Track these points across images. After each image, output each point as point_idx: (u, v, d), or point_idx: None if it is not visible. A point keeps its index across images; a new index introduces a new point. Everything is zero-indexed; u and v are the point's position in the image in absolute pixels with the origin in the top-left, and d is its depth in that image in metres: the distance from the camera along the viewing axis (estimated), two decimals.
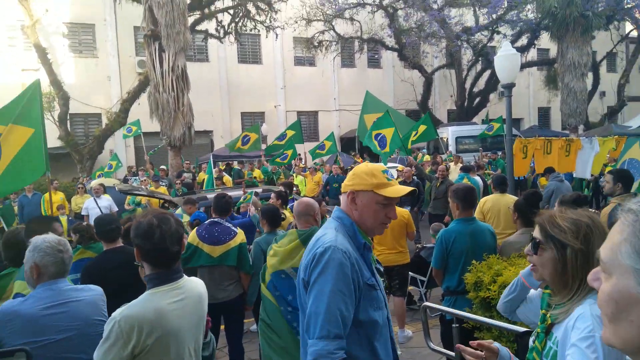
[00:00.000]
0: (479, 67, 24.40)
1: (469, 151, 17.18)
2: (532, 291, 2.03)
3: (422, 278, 6.17)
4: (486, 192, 9.49)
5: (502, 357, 1.70)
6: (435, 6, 21.34)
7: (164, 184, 11.98)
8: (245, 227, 5.14)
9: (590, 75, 22.83)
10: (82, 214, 10.21)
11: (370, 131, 10.61)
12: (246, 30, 19.35)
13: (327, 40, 22.76)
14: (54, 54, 18.03)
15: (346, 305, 1.79)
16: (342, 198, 2.02)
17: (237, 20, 18.80)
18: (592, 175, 9.86)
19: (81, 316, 2.34)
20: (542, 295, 1.78)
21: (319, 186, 12.29)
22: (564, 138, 10.26)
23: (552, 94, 27.20)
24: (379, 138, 10.30)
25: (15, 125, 5.11)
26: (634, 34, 24.52)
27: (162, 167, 14.71)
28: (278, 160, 13.60)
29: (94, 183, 10.52)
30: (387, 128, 10.25)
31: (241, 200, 6.63)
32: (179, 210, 7.02)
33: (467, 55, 24.27)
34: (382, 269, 2.21)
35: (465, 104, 24.03)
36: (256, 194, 6.79)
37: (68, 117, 17.17)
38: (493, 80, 22.84)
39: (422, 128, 12.47)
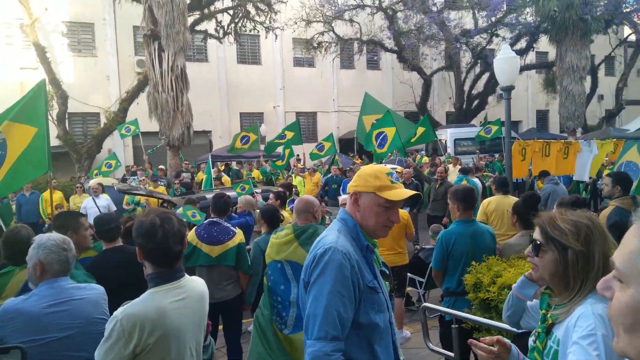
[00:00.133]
0: (477, 69, 24.47)
1: (467, 153, 17.19)
2: (530, 302, 2.04)
3: (421, 279, 6.19)
4: (485, 194, 9.52)
5: (512, 354, 1.71)
6: (434, 9, 21.41)
7: (162, 183, 11.97)
8: (242, 227, 5.14)
9: (588, 78, 22.93)
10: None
11: (371, 131, 10.63)
12: (245, 31, 19.36)
13: (327, 42, 22.79)
14: (52, 53, 18.01)
15: (345, 307, 1.79)
16: (347, 199, 2.04)
17: (236, 20, 18.81)
18: (590, 177, 9.90)
19: (83, 314, 2.34)
20: (541, 295, 1.79)
21: (317, 187, 12.30)
22: (563, 141, 10.29)
23: (550, 97, 27.28)
24: (380, 137, 10.31)
25: (19, 124, 5.12)
26: (632, 38, 24.61)
27: (161, 166, 14.69)
28: (279, 162, 13.60)
29: (93, 182, 10.51)
30: (389, 127, 10.27)
31: (238, 191, 6.66)
32: (179, 210, 7.00)
33: (466, 57, 24.34)
34: (388, 272, 2.20)
35: (464, 106, 24.09)
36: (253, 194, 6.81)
37: (66, 116, 17.14)
38: (492, 83, 22.90)
39: (420, 130, 12.51)
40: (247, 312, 4.79)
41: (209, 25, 18.65)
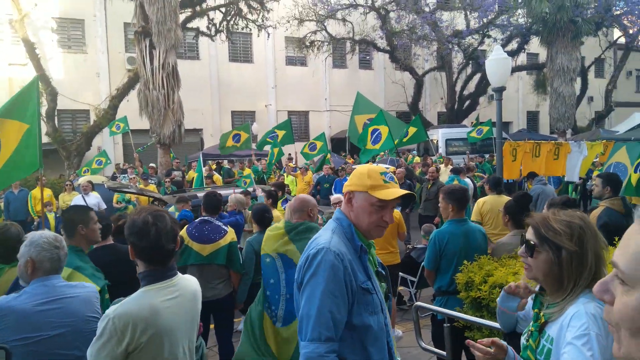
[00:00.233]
0: (469, 70, 24.60)
1: (459, 153, 17.28)
2: (521, 313, 2.04)
3: (413, 278, 6.21)
4: (476, 194, 9.58)
5: (509, 356, 1.72)
6: (427, 9, 21.49)
7: (153, 181, 11.89)
8: (232, 226, 5.12)
9: (578, 80, 23.13)
10: None
11: (366, 129, 10.63)
12: (238, 29, 19.27)
13: (319, 41, 22.78)
14: (42, 49, 17.80)
15: (338, 307, 1.78)
16: (340, 198, 2.04)
17: (228, 18, 18.72)
18: (580, 178, 9.99)
19: (75, 313, 2.32)
20: (533, 295, 1.80)
21: (309, 186, 12.30)
22: (553, 142, 10.38)
23: (541, 98, 27.49)
24: (375, 134, 10.32)
25: (11, 120, 5.06)
26: (622, 40, 24.86)
27: (152, 164, 14.59)
28: (265, 161, 13.58)
29: (82, 180, 10.40)
30: (383, 125, 10.29)
31: (243, 185, 6.69)
32: (171, 209, 6.98)
33: (457, 58, 24.45)
34: (384, 273, 2.19)
35: (456, 106, 24.21)
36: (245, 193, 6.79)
37: (56, 113, 16.96)
38: (483, 84, 23.04)
39: (412, 130, 12.55)
40: (238, 310, 4.79)
41: (201, 23, 18.54)
